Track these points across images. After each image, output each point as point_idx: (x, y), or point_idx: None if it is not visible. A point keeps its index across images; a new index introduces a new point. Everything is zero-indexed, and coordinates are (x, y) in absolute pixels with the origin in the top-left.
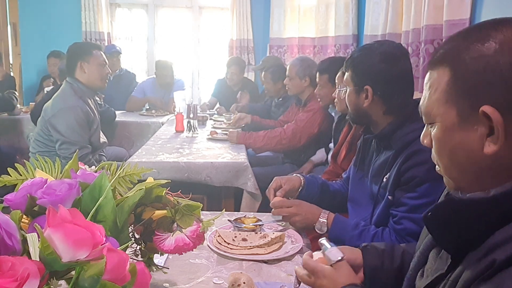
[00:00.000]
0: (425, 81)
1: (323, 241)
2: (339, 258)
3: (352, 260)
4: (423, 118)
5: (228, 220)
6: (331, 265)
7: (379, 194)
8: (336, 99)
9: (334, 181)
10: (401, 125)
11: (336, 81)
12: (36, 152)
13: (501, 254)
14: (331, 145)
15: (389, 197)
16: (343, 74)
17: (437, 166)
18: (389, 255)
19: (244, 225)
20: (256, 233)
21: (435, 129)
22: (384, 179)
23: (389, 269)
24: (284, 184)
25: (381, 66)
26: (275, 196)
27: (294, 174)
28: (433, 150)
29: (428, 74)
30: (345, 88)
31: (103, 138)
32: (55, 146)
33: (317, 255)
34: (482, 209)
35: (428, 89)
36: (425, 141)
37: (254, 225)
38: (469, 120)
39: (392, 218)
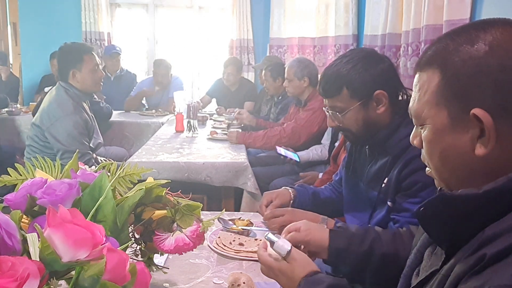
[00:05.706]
0: (414, 83)
1: (269, 235)
2: (288, 249)
3: (318, 241)
4: (413, 120)
5: (218, 219)
6: (284, 258)
7: (378, 200)
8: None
9: (323, 187)
10: (394, 131)
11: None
12: (31, 157)
13: (491, 249)
14: (335, 143)
15: (389, 203)
16: (330, 101)
17: (427, 168)
18: (358, 238)
19: (232, 225)
20: (256, 239)
21: (425, 130)
22: (383, 185)
23: (355, 252)
24: (275, 199)
25: (380, 67)
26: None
27: (283, 188)
28: (423, 151)
29: (417, 75)
30: (339, 113)
31: (99, 139)
32: (51, 152)
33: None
34: (473, 204)
35: (418, 91)
36: (414, 142)
37: (242, 228)
38: (460, 122)
39: (393, 224)
